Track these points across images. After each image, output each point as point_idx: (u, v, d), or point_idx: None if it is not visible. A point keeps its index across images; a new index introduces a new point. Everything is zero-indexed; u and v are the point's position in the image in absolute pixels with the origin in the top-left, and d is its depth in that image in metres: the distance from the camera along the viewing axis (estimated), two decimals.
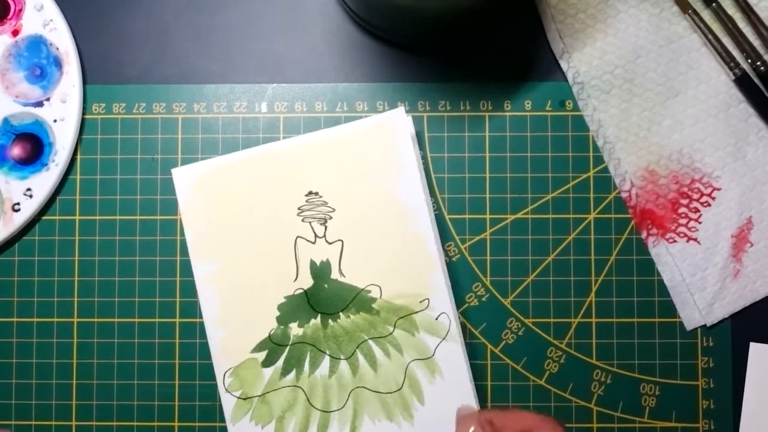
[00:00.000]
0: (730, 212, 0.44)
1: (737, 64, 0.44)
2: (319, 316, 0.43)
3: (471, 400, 0.42)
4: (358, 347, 0.43)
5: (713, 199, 0.44)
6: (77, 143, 0.45)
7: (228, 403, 0.43)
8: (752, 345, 0.44)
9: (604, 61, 0.45)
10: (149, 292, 0.45)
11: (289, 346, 0.43)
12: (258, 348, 0.43)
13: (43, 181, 0.44)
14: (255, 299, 0.43)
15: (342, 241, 0.43)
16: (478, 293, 0.45)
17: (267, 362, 0.43)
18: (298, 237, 0.43)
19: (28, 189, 0.44)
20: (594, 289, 0.44)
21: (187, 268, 0.44)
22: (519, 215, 0.45)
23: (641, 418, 0.44)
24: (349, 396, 0.43)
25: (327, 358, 0.43)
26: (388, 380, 0.43)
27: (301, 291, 0.43)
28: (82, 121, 0.45)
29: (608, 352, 0.44)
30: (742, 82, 0.44)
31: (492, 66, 0.45)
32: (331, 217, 0.43)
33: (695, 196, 0.44)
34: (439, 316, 0.42)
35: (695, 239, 0.44)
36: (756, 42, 0.44)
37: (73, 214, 0.45)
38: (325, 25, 0.46)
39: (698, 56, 0.45)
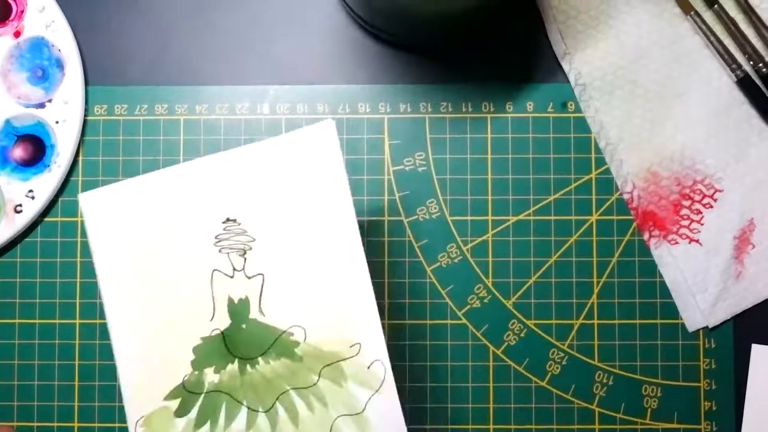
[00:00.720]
0: (732, 214, 0.44)
1: (739, 66, 0.44)
2: (236, 360, 0.38)
3: None
4: (278, 398, 0.38)
5: (715, 200, 0.44)
6: (79, 145, 0.45)
7: None
8: (754, 347, 0.44)
9: (606, 63, 0.45)
10: None
11: (203, 395, 0.38)
12: (171, 395, 0.38)
13: (45, 183, 0.44)
14: (170, 341, 0.38)
15: (263, 275, 0.38)
16: (480, 295, 0.45)
17: (180, 412, 0.38)
18: (214, 270, 0.38)
19: (30, 190, 0.44)
20: (596, 290, 0.44)
21: None
22: (521, 217, 0.45)
23: (643, 420, 0.44)
24: None
25: (244, 410, 0.38)
26: None
27: (218, 332, 0.38)
28: (84, 123, 0.45)
29: (610, 354, 0.44)
30: (744, 83, 0.44)
31: (494, 67, 0.45)
32: (250, 248, 0.38)
33: (697, 198, 0.44)
34: (372, 363, 0.37)
35: (697, 241, 0.44)
36: (758, 44, 0.44)
37: (75, 216, 0.45)
38: (327, 26, 0.46)
39: (700, 58, 0.45)
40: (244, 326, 0.38)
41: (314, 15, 0.46)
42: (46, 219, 0.45)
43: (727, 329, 0.44)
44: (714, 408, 0.44)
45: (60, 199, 0.45)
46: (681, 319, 0.44)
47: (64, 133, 0.44)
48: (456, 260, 0.45)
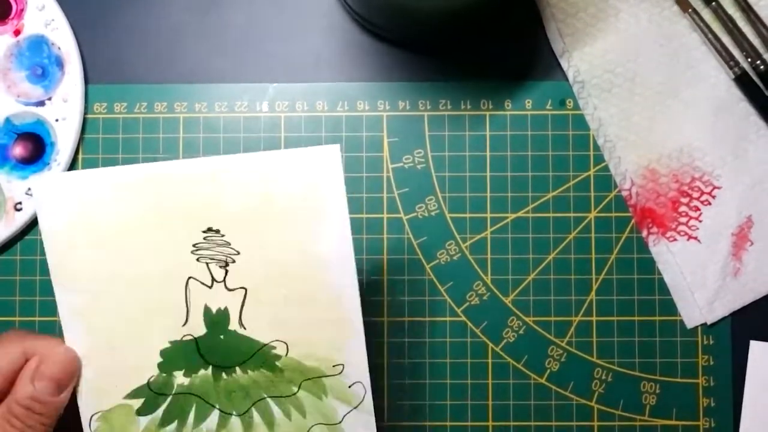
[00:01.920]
0: (730, 211, 0.44)
1: (737, 63, 0.44)
2: (210, 367, 0.37)
3: None
4: (254, 404, 0.37)
5: (713, 197, 0.44)
6: (79, 143, 0.45)
7: None
8: (752, 343, 0.44)
9: (605, 60, 0.45)
10: None
11: (171, 396, 0.37)
12: (133, 395, 0.36)
13: None
14: (132, 342, 0.36)
15: (245, 289, 0.36)
16: (479, 292, 0.45)
17: (143, 411, 0.36)
18: (190, 278, 0.36)
19: (30, 188, 0.44)
20: (594, 287, 0.45)
21: None
22: (520, 214, 0.45)
23: (642, 416, 0.44)
24: None
25: (216, 413, 0.37)
26: None
27: (191, 338, 0.36)
28: (84, 121, 0.45)
29: (609, 351, 0.44)
30: (742, 81, 0.44)
31: (492, 65, 0.46)
32: (233, 261, 0.36)
33: (695, 195, 0.45)
34: (353, 384, 0.37)
35: (696, 238, 0.44)
36: (756, 41, 0.44)
37: None
38: (326, 24, 0.46)
39: (698, 55, 0.45)
40: (222, 337, 0.36)
41: (313, 13, 0.46)
42: None
43: (725, 326, 0.44)
44: (712, 404, 0.44)
45: None
46: (679, 315, 0.44)
47: (63, 131, 0.45)
48: (455, 257, 0.45)
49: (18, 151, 0.45)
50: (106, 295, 0.36)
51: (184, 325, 0.36)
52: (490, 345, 0.45)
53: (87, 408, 0.36)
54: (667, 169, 0.45)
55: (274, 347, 0.36)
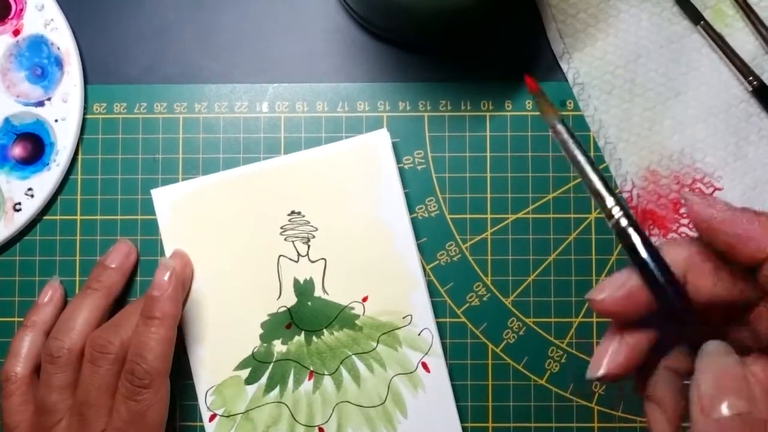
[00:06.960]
0: None
1: (755, 76, 0.43)
2: (302, 333, 0.44)
3: (453, 413, 0.43)
4: (341, 363, 0.43)
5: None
6: (78, 143, 0.45)
7: (210, 421, 0.43)
8: None
9: (605, 62, 0.45)
10: None
11: (272, 363, 0.43)
12: (241, 366, 0.43)
13: (45, 181, 0.44)
14: (238, 318, 0.43)
15: (325, 259, 0.43)
16: (479, 293, 0.45)
17: (250, 380, 0.43)
18: (280, 256, 0.43)
19: (30, 189, 0.44)
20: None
21: None
22: (520, 215, 0.45)
23: (642, 418, 0.44)
24: (333, 410, 0.43)
25: (311, 375, 0.43)
26: (372, 394, 0.43)
27: (285, 309, 0.43)
28: (83, 121, 0.45)
29: None
30: (760, 93, 0.43)
31: (493, 66, 0.45)
32: (314, 236, 0.43)
33: None
34: (421, 331, 0.43)
35: None
36: (756, 42, 0.44)
37: (74, 214, 0.45)
38: (326, 25, 0.46)
39: (699, 56, 0.45)
40: (309, 303, 0.43)
41: (313, 14, 0.46)
42: (45, 217, 0.45)
43: None
44: None
45: (59, 197, 0.45)
46: None
47: (63, 132, 0.44)
48: (455, 258, 0.45)
49: (17, 151, 0.45)
50: (216, 281, 0.43)
51: (278, 298, 0.43)
52: (490, 346, 0.44)
53: (203, 384, 0.43)
54: (668, 170, 0.45)
55: (353, 308, 0.43)
